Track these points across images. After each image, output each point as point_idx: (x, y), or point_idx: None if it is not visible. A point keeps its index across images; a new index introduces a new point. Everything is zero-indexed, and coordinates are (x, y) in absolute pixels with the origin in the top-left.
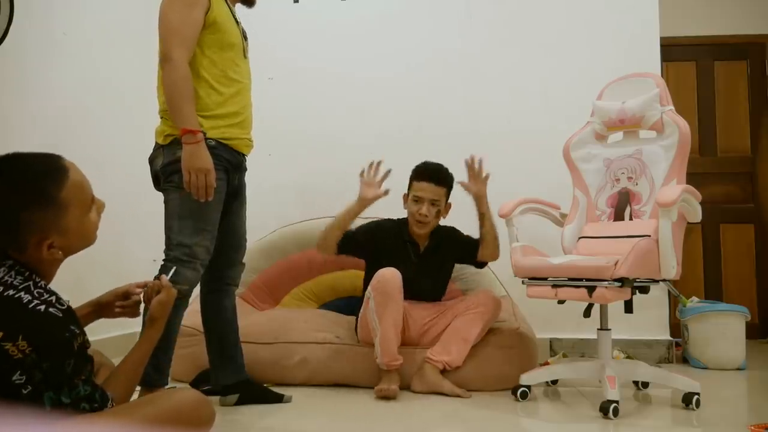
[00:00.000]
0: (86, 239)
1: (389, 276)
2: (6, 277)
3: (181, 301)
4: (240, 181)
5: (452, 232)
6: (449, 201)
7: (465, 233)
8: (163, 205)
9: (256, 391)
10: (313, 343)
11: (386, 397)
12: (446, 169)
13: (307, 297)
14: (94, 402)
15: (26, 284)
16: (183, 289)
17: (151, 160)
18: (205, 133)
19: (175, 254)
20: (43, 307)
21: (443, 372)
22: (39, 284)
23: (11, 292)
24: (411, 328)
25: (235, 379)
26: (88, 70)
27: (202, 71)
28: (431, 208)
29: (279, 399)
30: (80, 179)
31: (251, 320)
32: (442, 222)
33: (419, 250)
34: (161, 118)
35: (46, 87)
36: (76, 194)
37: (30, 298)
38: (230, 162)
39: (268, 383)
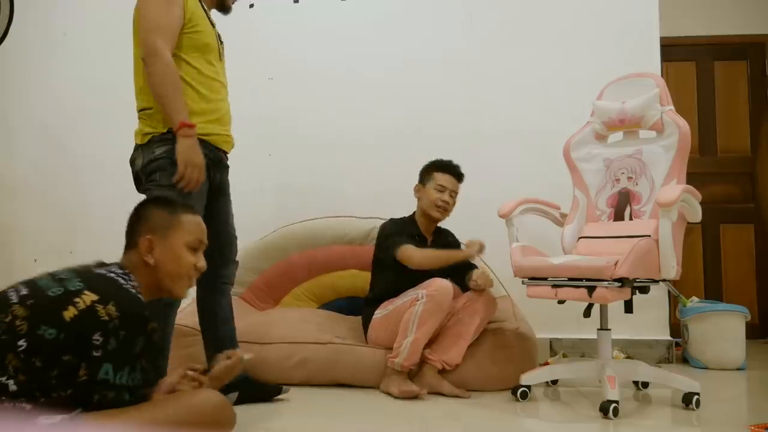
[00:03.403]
0: (178, 269)
1: (447, 289)
2: (111, 268)
3: (173, 302)
4: (222, 178)
5: (456, 242)
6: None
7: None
8: None
9: (255, 388)
10: (313, 344)
11: (413, 397)
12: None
13: (307, 297)
14: (137, 393)
15: (125, 277)
16: None
17: (132, 162)
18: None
19: None
20: (133, 291)
21: (442, 371)
22: (134, 282)
23: (112, 275)
24: None
25: (234, 377)
26: (88, 70)
27: (178, 71)
28: (451, 198)
29: (278, 391)
30: (198, 224)
31: (251, 320)
32: (450, 219)
33: (427, 244)
34: (139, 118)
35: (46, 87)
36: (191, 225)
37: (124, 283)
38: (209, 158)
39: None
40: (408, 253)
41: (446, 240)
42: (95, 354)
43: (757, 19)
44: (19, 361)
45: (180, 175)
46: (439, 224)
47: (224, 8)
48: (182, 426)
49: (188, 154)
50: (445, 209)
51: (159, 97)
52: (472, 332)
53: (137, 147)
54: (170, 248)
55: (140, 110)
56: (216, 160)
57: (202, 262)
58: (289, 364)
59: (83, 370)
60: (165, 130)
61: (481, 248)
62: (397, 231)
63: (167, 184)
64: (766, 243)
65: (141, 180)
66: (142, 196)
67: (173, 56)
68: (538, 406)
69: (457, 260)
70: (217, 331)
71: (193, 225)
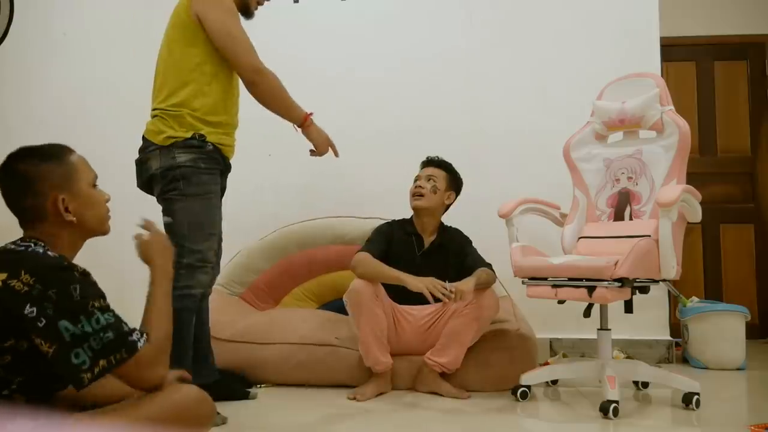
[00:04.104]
0: (98, 210)
1: (359, 289)
2: (15, 241)
3: (195, 306)
4: (224, 185)
5: (464, 240)
6: (452, 191)
7: (478, 254)
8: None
9: (227, 389)
10: (312, 344)
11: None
12: (445, 161)
13: (307, 297)
14: (121, 329)
15: (28, 243)
16: (197, 293)
17: (143, 161)
18: (205, 137)
19: (188, 261)
20: (41, 251)
21: (442, 374)
22: (41, 246)
23: (12, 246)
24: (408, 331)
25: (212, 378)
26: (88, 70)
27: (214, 78)
28: (426, 182)
29: (245, 396)
30: (84, 159)
31: (251, 320)
32: (450, 220)
33: (423, 244)
34: (158, 117)
35: (46, 87)
36: (82, 163)
37: (26, 249)
38: (222, 167)
39: (267, 384)
40: (357, 259)
41: (451, 242)
42: (41, 324)
43: (757, 19)
44: None
45: (320, 153)
46: (447, 224)
47: (248, 13)
48: (163, 422)
49: (319, 137)
50: (421, 194)
51: (275, 110)
52: (470, 336)
53: (153, 147)
54: (82, 196)
55: (160, 108)
56: (225, 168)
57: (107, 194)
58: (288, 365)
59: (44, 345)
60: (189, 136)
61: (459, 296)
62: (373, 237)
63: (192, 193)
64: (766, 243)
65: (154, 182)
66: (143, 196)
67: (215, 63)
68: (538, 406)
69: (401, 283)
70: (197, 334)
71: (84, 162)
